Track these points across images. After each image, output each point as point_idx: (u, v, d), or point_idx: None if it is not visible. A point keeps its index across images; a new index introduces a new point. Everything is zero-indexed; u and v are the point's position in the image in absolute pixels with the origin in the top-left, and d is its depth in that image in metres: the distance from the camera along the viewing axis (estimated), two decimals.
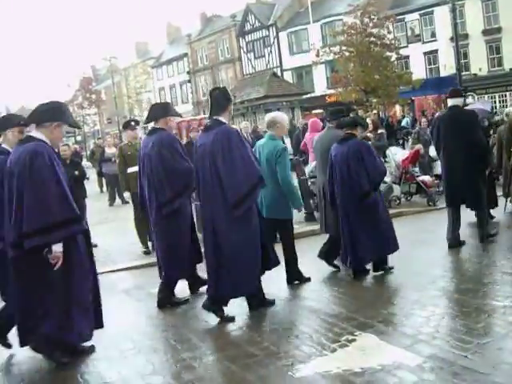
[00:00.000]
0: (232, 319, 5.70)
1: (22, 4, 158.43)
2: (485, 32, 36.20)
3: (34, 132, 4.88)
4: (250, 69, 48.91)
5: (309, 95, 37.81)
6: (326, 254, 7.43)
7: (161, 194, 6.29)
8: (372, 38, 30.33)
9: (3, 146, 5.46)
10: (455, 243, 7.83)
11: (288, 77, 45.23)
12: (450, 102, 8.17)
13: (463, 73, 28.23)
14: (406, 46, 37.72)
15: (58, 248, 4.55)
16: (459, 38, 25.70)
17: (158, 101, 60.09)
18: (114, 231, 11.76)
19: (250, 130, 18.36)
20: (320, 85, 41.93)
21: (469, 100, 31.99)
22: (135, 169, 9.51)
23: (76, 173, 10.69)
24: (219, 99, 5.86)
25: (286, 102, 34.87)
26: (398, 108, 36.11)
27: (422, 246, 8.31)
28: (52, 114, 4.90)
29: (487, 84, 35.89)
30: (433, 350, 4.47)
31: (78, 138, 60.98)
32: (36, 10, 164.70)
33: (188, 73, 55.64)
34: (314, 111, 25.86)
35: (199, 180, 5.82)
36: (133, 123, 9.95)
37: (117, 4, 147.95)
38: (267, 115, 7.48)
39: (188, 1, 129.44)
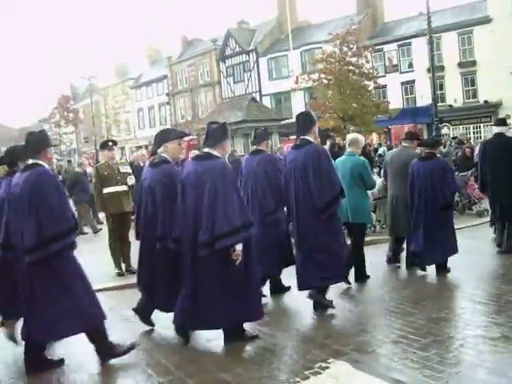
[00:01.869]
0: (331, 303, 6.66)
1: None
2: (460, 64, 36.93)
3: (208, 149, 5.63)
4: (229, 93, 49.15)
5: (287, 121, 38.05)
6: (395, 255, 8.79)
7: (264, 206, 7.17)
8: (350, 67, 30.70)
9: (163, 155, 6.15)
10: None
11: (267, 102, 45.51)
12: (496, 130, 9.62)
13: (439, 103, 28.65)
14: (384, 76, 38.23)
15: (239, 247, 5.35)
16: (435, 69, 26.10)
17: (136, 122, 60.17)
18: (87, 252, 11.61)
19: (228, 154, 18.26)
20: (298, 111, 42.09)
21: (444, 130, 32.61)
22: (111, 189, 9.50)
23: None
24: (305, 121, 6.84)
25: (264, 127, 35.11)
26: (374, 136, 36.50)
27: (393, 273, 8.36)
28: (223, 133, 5.73)
29: (462, 115, 36.51)
30: (406, 378, 4.47)
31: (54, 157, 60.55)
32: (14, 27, 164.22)
33: (167, 95, 55.66)
34: (291, 137, 26.01)
35: (289, 189, 6.67)
36: (110, 143, 9.87)
37: (98, 24, 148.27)
38: (350, 135, 8.96)
39: (169, 24, 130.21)
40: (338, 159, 8.20)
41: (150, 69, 61.19)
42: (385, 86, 37.55)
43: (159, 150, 6.20)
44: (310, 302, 6.83)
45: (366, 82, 31.26)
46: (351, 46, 30.76)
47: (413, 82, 38.92)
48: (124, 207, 9.60)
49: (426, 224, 8.05)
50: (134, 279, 9.13)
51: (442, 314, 6.20)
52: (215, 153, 5.60)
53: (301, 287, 6.72)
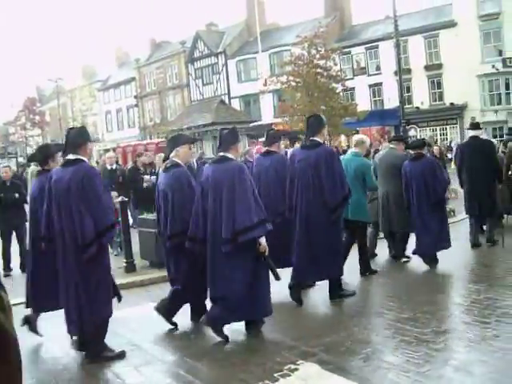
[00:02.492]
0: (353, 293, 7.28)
1: None
2: (427, 67, 37.47)
3: (224, 153, 5.99)
4: (198, 95, 49.04)
5: (256, 123, 38.16)
6: (397, 250, 9.23)
7: (274, 205, 7.30)
8: (319, 70, 30.83)
9: (175, 159, 6.39)
10: (477, 244, 9.64)
11: (236, 104, 45.59)
12: (472, 133, 10.21)
13: (406, 106, 28.98)
14: (352, 78, 38.57)
15: (263, 240, 5.68)
16: (403, 72, 26.39)
17: (104, 124, 59.61)
18: None
19: (197, 157, 18.05)
20: (267, 113, 42.34)
21: (411, 132, 32.97)
22: None
23: (16, 195, 10.39)
24: (315, 124, 7.21)
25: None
26: (343, 138, 36.75)
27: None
28: (234, 136, 6.10)
29: (429, 117, 37.04)
30: (375, 378, 4.49)
31: (20, 160, 59.48)
32: None
33: (135, 97, 55.29)
34: (260, 139, 26.05)
35: (298, 187, 6.99)
36: None
37: (65, 25, 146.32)
38: (356, 136, 9.59)
39: (138, 26, 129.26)
40: (343, 158, 8.46)
41: (118, 71, 60.72)
42: (353, 89, 37.87)
43: (171, 155, 6.49)
44: (281, 304, 6.83)
45: (334, 85, 31.44)
46: (319, 49, 30.90)
47: (380, 84, 39.35)
48: None
49: (422, 221, 8.66)
50: None
51: (411, 314, 6.24)
52: (230, 155, 5.97)
53: (295, 280, 7.03)
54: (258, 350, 5.49)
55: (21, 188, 10.73)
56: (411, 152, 9.18)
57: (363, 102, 37.01)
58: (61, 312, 5.67)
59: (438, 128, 37.32)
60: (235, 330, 6.11)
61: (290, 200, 7.13)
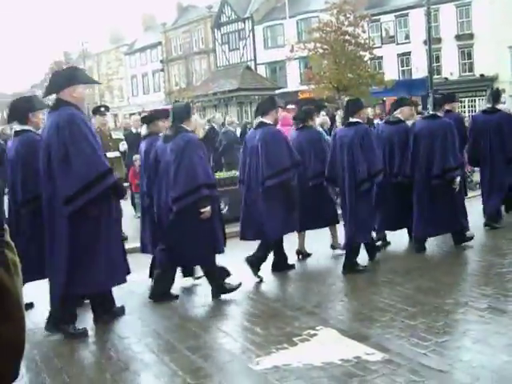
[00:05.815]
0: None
1: None
2: (458, 37, 36.66)
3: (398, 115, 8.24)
4: (224, 61, 48.71)
5: (282, 90, 37.83)
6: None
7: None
8: (347, 37, 30.40)
9: (398, 116, 8.16)
10: None
11: (261, 71, 45.18)
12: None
13: (435, 76, 28.49)
14: (380, 47, 37.89)
15: (458, 179, 7.69)
16: (432, 41, 25.91)
17: (130, 88, 59.64)
18: None
19: (220, 122, 17.92)
20: (293, 80, 41.94)
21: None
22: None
23: None
24: (495, 94, 9.33)
25: (258, 96, 34.81)
26: (369, 108, 36.32)
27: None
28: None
29: (457, 88, 36.23)
30: (393, 346, 4.52)
31: None
32: None
33: (161, 62, 55.10)
34: (288, 106, 25.86)
35: (479, 143, 9.06)
36: (102, 109, 9.81)
37: None
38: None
39: None
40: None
41: (145, 35, 60.43)
42: (381, 57, 37.26)
43: (395, 112, 8.23)
44: (297, 269, 6.85)
45: (362, 53, 31.01)
46: (348, 16, 30.41)
47: (409, 53, 38.66)
48: (116, 173, 9.58)
49: None
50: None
51: (431, 284, 6.25)
52: (439, 114, 7.99)
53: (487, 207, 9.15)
54: (278, 315, 5.55)
55: None
56: None
57: (391, 72, 36.42)
58: None
59: (466, 100, 36.65)
60: (256, 294, 6.17)
61: (478, 154, 9.15)
